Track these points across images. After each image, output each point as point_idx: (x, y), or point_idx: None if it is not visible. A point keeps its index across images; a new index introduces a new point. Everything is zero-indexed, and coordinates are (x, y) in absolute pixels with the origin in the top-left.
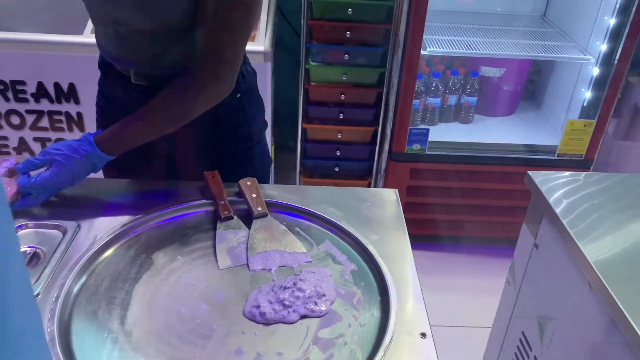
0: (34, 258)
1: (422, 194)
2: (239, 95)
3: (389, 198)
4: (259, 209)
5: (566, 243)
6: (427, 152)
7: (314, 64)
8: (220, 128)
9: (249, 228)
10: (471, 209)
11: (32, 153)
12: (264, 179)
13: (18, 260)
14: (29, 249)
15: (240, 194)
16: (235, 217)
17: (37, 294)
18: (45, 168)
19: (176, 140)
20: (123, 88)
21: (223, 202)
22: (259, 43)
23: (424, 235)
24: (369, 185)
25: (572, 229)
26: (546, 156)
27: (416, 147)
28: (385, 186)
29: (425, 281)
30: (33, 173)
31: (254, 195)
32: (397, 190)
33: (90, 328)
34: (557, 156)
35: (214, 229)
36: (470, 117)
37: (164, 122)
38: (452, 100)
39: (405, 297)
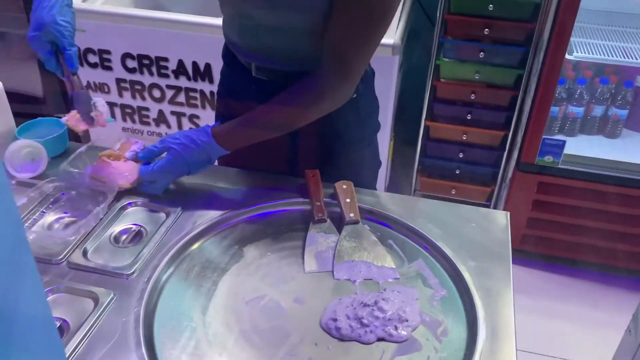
0: (137, 236)
1: (549, 210)
2: (354, 95)
3: (499, 221)
4: (351, 215)
5: None
6: (560, 166)
7: (445, 59)
8: (332, 128)
9: (341, 233)
10: (600, 233)
11: (168, 125)
12: (371, 183)
13: (27, 253)
14: (134, 226)
15: (335, 196)
16: (328, 220)
17: (133, 273)
18: (164, 155)
19: (288, 136)
20: (243, 80)
21: (319, 204)
22: (389, 36)
23: (543, 254)
24: (491, 193)
25: None
26: None
27: (548, 159)
28: (508, 197)
29: (535, 303)
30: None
31: (347, 200)
32: (508, 213)
33: (173, 314)
34: None
35: (307, 229)
36: (618, 131)
37: (282, 124)
38: (597, 111)
39: (496, 338)
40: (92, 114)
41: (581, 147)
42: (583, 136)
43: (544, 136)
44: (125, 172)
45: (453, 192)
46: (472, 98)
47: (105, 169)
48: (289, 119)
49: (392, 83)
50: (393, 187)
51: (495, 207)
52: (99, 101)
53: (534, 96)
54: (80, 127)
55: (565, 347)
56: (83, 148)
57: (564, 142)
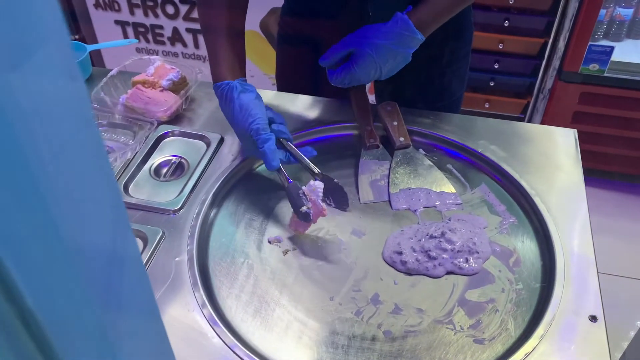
0: (179, 168)
1: (592, 122)
2: None
3: (566, 140)
4: (401, 139)
5: None
6: (605, 74)
7: None
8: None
9: (392, 159)
10: None
11: (184, 44)
12: (457, 104)
13: (125, 224)
14: (174, 157)
15: (379, 119)
16: (381, 146)
17: (180, 208)
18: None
19: None
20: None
21: (369, 128)
22: None
23: (588, 169)
24: (526, 105)
25: None
26: None
27: (594, 67)
28: (547, 109)
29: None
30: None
31: (395, 123)
32: (576, 131)
33: (228, 250)
34: None
35: (357, 156)
36: None
37: None
38: None
39: (574, 266)
40: (303, 208)
41: (628, 52)
42: (629, 41)
43: (589, 42)
44: (163, 104)
45: (486, 106)
46: (510, 3)
47: (140, 99)
48: None
49: None
50: None
51: (530, 120)
52: (308, 187)
53: None
54: (300, 230)
55: (625, 264)
56: (114, 72)
57: (612, 48)
